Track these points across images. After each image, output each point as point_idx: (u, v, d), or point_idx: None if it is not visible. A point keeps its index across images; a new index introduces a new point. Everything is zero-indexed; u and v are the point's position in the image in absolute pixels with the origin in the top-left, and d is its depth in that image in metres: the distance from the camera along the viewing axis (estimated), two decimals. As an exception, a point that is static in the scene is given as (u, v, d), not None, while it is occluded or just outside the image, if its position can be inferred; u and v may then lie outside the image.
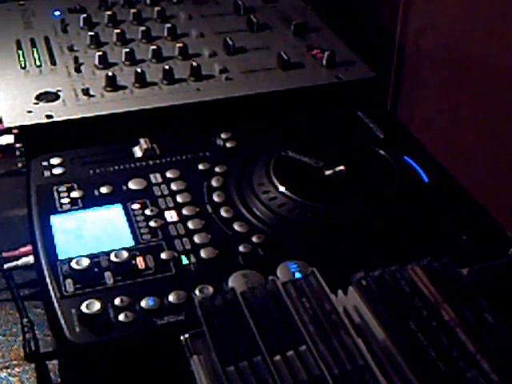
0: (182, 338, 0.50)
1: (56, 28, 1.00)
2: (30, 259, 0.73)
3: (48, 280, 0.60)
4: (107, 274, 0.61)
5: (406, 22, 1.11)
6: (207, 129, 0.81)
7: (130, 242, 0.65)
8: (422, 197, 0.70)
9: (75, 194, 0.70)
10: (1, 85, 0.87)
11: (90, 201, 0.70)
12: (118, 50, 0.93)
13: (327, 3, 1.14)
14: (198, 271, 0.62)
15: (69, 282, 0.60)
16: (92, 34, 0.95)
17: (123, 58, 0.91)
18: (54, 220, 0.67)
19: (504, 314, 0.47)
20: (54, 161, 0.75)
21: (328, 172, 0.70)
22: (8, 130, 0.79)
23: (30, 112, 0.81)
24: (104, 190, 0.71)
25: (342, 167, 0.70)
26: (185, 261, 0.63)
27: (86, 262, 0.61)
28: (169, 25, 0.98)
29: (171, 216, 0.68)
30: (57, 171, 0.74)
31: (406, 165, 0.74)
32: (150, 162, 0.75)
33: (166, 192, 0.71)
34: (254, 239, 0.65)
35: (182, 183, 0.72)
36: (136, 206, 0.69)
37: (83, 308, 0.56)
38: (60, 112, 0.81)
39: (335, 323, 0.47)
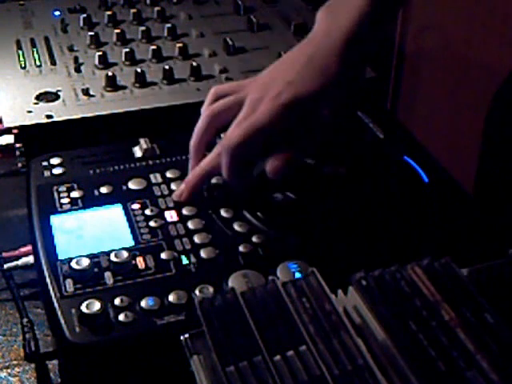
0: (182, 337, 0.50)
1: (56, 28, 1.00)
2: (30, 259, 0.73)
3: (48, 280, 0.60)
4: (107, 274, 0.61)
5: (406, 21, 1.11)
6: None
7: (130, 242, 0.65)
8: (421, 197, 0.70)
9: (75, 194, 0.70)
10: (1, 85, 0.87)
11: (90, 201, 0.70)
12: (118, 49, 0.93)
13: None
14: (198, 271, 0.62)
15: (69, 281, 0.60)
16: (92, 34, 0.95)
17: (123, 58, 0.91)
18: (54, 220, 0.67)
19: (504, 314, 0.47)
20: (54, 161, 0.75)
21: (328, 172, 0.70)
22: (8, 130, 0.79)
23: (30, 112, 0.81)
24: (104, 189, 0.71)
25: (341, 167, 0.70)
26: (185, 261, 0.63)
27: (86, 262, 0.61)
28: (169, 25, 0.98)
29: (171, 216, 0.68)
30: (57, 171, 0.74)
31: (406, 165, 0.74)
32: (150, 162, 0.75)
33: (165, 192, 0.71)
34: (254, 239, 0.65)
35: (182, 183, 0.72)
36: (136, 206, 0.69)
37: (83, 308, 0.56)
38: (60, 112, 0.81)
39: (335, 323, 0.47)
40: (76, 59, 0.92)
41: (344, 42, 0.65)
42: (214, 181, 0.72)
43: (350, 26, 0.65)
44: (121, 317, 0.56)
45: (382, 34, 0.69)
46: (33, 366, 0.69)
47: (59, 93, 0.85)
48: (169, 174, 0.73)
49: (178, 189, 0.70)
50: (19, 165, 0.80)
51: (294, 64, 0.67)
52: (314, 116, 0.65)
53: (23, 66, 0.91)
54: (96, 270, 0.61)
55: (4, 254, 0.76)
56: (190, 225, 0.66)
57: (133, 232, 0.66)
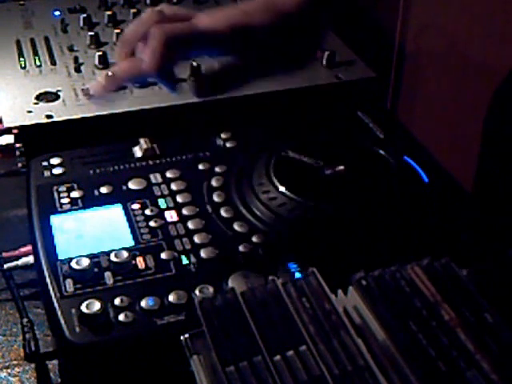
0: (182, 337, 0.50)
1: (56, 28, 1.00)
2: (30, 259, 0.73)
3: (48, 280, 0.60)
4: (107, 274, 0.61)
5: (406, 21, 1.11)
6: (207, 129, 0.80)
7: (130, 242, 0.65)
8: (421, 197, 0.70)
9: (75, 194, 0.70)
10: (1, 85, 0.87)
11: (90, 201, 0.70)
12: (118, 49, 0.93)
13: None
14: (198, 271, 0.62)
15: (69, 281, 0.60)
16: (92, 34, 0.95)
17: (123, 58, 0.91)
18: (54, 220, 0.67)
19: (504, 314, 0.47)
20: (54, 161, 0.75)
21: (328, 172, 0.70)
22: (8, 130, 0.79)
23: (30, 112, 0.81)
24: (104, 189, 0.71)
25: (341, 167, 0.70)
26: (185, 261, 0.63)
27: (86, 262, 0.61)
28: (169, 25, 0.98)
29: (171, 216, 0.68)
30: (57, 171, 0.74)
31: (406, 165, 0.74)
32: (150, 162, 0.75)
33: (166, 192, 0.71)
34: (254, 239, 0.65)
35: (182, 183, 0.72)
36: (136, 206, 0.69)
37: (83, 308, 0.56)
38: (60, 112, 0.81)
39: (335, 323, 0.47)
40: (76, 59, 0.92)
41: None
42: (214, 183, 0.72)
43: None
44: (121, 317, 0.56)
45: None
46: (33, 366, 0.69)
47: (59, 93, 0.85)
48: (169, 174, 0.73)
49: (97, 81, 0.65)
50: (19, 165, 0.80)
51: (253, 1, 0.67)
52: (257, 46, 0.65)
53: (23, 66, 0.91)
54: (96, 270, 0.61)
55: (4, 254, 0.76)
56: (190, 225, 0.66)
57: (133, 232, 0.66)
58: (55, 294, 0.59)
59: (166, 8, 0.65)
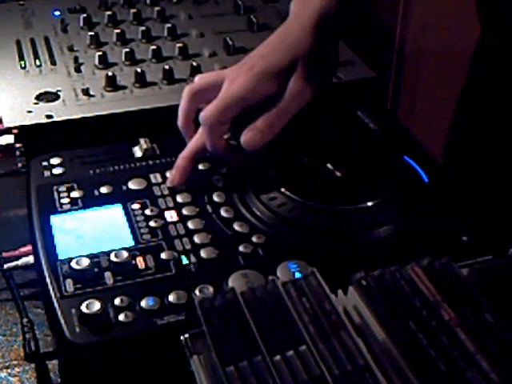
0: (181, 337, 0.50)
1: (56, 28, 1.00)
2: (30, 259, 0.73)
3: (48, 280, 0.60)
4: (107, 274, 0.61)
5: (406, 21, 1.11)
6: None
7: (130, 242, 0.65)
8: (421, 197, 0.70)
9: (75, 194, 0.70)
10: (1, 85, 0.87)
11: (90, 201, 0.70)
12: (118, 49, 0.93)
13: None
14: (198, 271, 0.62)
15: (69, 282, 0.60)
16: (92, 34, 0.95)
17: (123, 58, 0.91)
18: (54, 220, 0.67)
19: (504, 314, 0.47)
20: (54, 161, 0.75)
21: (328, 172, 0.70)
22: (8, 130, 0.79)
23: (30, 112, 0.81)
24: (104, 189, 0.71)
25: (342, 167, 0.70)
26: (185, 261, 0.63)
27: (86, 262, 0.61)
28: (169, 25, 0.98)
29: (171, 216, 0.68)
30: (57, 171, 0.74)
31: (406, 165, 0.74)
32: (150, 162, 0.75)
33: (166, 192, 0.71)
34: (254, 239, 0.65)
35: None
36: (136, 206, 0.69)
37: (83, 308, 0.56)
38: (60, 112, 0.81)
39: (335, 323, 0.47)
40: (76, 59, 0.92)
41: (315, 19, 0.69)
42: (214, 183, 0.72)
43: (320, 5, 0.70)
44: (121, 317, 0.56)
45: (356, 14, 0.74)
46: (33, 366, 0.69)
47: (59, 93, 0.85)
48: (169, 174, 0.73)
49: (170, 175, 0.71)
50: (19, 165, 0.80)
51: (268, 42, 0.72)
52: (286, 87, 0.69)
53: (23, 66, 0.91)
54: (96, 269, 0.61)
55: (4, 254, 0.76)
56: (190, 225, 0.66)
57: (133, 232, 0.66)
58: (55, 294, 0.59)
59: (197, 82, 0.72)
